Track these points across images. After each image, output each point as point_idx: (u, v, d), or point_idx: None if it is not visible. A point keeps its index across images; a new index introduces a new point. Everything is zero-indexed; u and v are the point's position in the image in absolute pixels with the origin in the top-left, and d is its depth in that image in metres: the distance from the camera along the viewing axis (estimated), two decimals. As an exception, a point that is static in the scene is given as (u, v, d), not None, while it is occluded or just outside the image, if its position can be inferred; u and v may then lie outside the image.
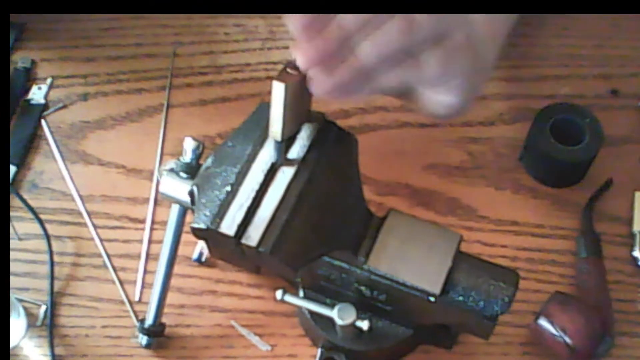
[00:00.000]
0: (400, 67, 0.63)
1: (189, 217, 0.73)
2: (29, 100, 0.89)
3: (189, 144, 0.71)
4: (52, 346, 0.76)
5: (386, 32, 0.61)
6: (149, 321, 0.75)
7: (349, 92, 0.63)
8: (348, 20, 0.61)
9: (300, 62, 0.61)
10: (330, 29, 0.61)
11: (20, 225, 0.82)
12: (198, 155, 0.71)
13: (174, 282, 0.75)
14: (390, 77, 0.64)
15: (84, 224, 0.83)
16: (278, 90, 0.62)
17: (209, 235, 0.66)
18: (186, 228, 0.72)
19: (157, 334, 0.75)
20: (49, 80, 0.91)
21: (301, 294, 0.72)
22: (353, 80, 0.62)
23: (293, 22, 0.61)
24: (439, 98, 0.67)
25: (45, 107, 0.89)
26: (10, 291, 0.78)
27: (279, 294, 0.69)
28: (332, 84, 0.62)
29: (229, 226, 0.65)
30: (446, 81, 0.66)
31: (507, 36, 0.73)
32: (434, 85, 0.66)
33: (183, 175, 0.70)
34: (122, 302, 0.79)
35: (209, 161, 0.70)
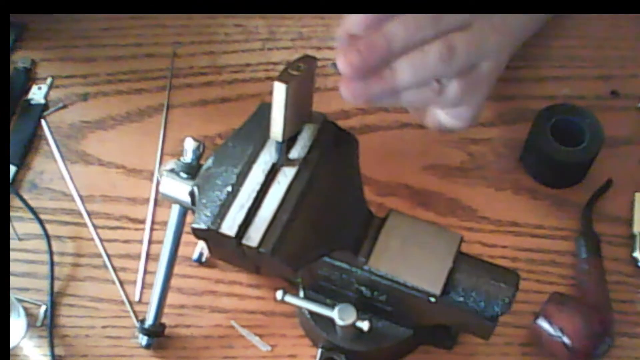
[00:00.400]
0: (423, 90, 0.65)
1: (189, 218, 0.73)
2: (29, 100, 0.89)
3: (189, 144, 0.71)
4: (52, 346, 0.76)
5: (426, 56, 0.63)
6: (149, 321, 0.75)
7: (374, 102, 0.65)
8: (397, 38, 0.62)
9: (342, 67, 0.62)
10: (378, 41, 0.62)
11: (20, 225, 0.82)
12: (198, 156, 0.71)
13: (174, 282, 0.75)
14: (413, 95, 0.66)
15: (84, 224, 0.83)
16: (279, 91, 0.62)
17: (209, 235, 0.66)
18: (186, 228, 0.72)
19: (157, 334, 0.75)
20: (49, 80, 0.91)
21: (301, 294, 0.72)
22: (383, 94, 0.64)
23: (345, 26, 0.64)
24: (452, 115, 0.70)
25: (45, 107, 0.89)
26: (10, 291, 0.78)
27: (279, 294, 0.69)
28: (363, 92, 0.63)
29: (229, 227, 0.65)
30: (462, 105, 0.68)
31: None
32: (449, 107, 0.69)
33: (183, 175, 0.70)
34: (122, 302, 0.79)
35: (210, 161, 0.70)
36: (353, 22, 0.64)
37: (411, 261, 0.67)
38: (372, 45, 0.62)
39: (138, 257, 0.81)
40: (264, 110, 0.69)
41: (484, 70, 0.67)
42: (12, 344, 0.76)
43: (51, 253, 0.80)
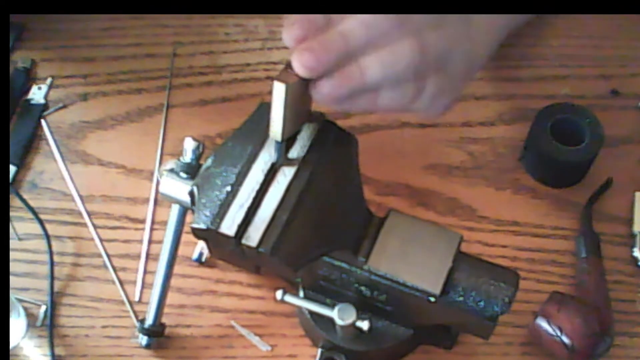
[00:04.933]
0: (401, 91, 0.62)
1: (189, 217, 0.73)
2: (29, 100, 0.89)
3: (189, 144, 0.71)
4: (52, 346, 0.76)
5: (396, 51, 0.60)
6: (149, 321, 0.75)
7: (346, 104, 0.62)
8: (354, 34, 0.59)
9: (296, 69, 0.60)
10: (332, 40, 0.59)
11: (20, 225, 0.82)
12: (198, 156, 0.71)
13: (174, 282, 0.75)
14: (389, 100, 0.63)
15: (84, 224, 0.83)
16: (278, 91, 0.62)
17: (209, 235, 0.66)
18: (186, 228, 0.72)
19: (157, 334, 0.75)
20: (49, 80, 0.91)
21: (301, 294, 0.72)
22: (353, 94, 0.61)
23: (287, 34, 0.60)
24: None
25: (45, 107, 0.89)
26: (10, 291, 0.78)
27: (279, 294, 0.69)
28: (330, 92, 0.61)
29: (229, 226, 0.65)
30: (436, 105, 0.66)
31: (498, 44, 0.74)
32: (424, 110, 0.66)
33: (183, 175, 0.70)
34: (122, 302, 0.79)
35: (209, 161, 0.70)
36: (301, 22, 0.60)
37: (411, 261, 0.67)
38: (328, 43, 0.59)
39: (138, 257, 0.81)
40: (264, 109, 0.69)
41: (460, 66, 0.64)
42: (12, 344, 0.76)
43: (51, 253, 0.80)
